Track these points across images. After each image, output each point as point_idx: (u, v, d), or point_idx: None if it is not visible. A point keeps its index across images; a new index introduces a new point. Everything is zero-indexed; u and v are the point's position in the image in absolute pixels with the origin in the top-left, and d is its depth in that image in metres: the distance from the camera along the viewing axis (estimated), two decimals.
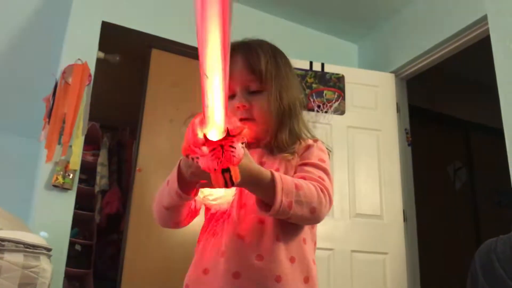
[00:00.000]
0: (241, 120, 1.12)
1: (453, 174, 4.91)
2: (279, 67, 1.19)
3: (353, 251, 3.25)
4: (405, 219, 3.41)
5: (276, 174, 0.96)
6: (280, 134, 1.14)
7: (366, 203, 3.38)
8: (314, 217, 1.00)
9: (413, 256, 3.44)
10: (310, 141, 1.17)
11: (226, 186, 0.84)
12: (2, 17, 3.69)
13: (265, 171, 0.95)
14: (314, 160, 1.11)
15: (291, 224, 1.04)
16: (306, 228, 1.10)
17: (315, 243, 1.13)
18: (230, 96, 1.16)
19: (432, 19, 3.46)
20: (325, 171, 1.10)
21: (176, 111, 3.38)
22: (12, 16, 3.69)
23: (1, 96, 4.60)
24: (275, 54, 1.21)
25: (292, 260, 1.03)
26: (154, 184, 3.23)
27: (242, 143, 0.84)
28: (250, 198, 1.04)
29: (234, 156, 0.81)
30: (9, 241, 2.10)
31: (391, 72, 3.77)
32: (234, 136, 0.81)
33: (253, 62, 1.15)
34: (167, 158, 3.30)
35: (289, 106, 1.17)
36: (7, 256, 2.07)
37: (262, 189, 0.95)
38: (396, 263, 3.28)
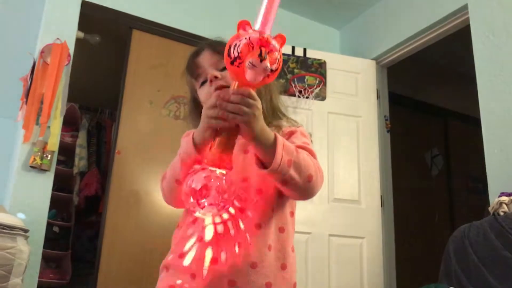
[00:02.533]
0: (216, 90, 1.15)
1: (430, 161, 4.99)
2: None
3: (330, 235, 3.30)
4: (382, 204, 3.47)
5: (278, 136, 1.00)
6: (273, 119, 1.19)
7: (344, 188, 3.42)
8: (310, 186, 1.04)
9: (390, 240, 3.51)
10: (292, 127, 1.20)
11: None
12: None
13: (269, 130, 0.99)
14: (300, 142, 1.13)
15: (271, 212, 1.06)
16: (286, 216, 1.12)
17: (293, 231, 1.15)
18: (203, 82, 1.20)
19: (414, 7, 3.48)
20: (312, 153, 1.12)
21: (157, 93, 3.35)
22: None
23: None
24: None
25: (269, 248, 1.05)
26: (133, 166, 3.22)
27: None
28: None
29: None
30: None
31: (372, 59, 3.79)
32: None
33: (219, 47, 1.18)
34: (146, 140, 3.28)
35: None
36: None
37: (265, 146, 0.97)
38: (373, 247, 3.34)
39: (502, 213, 2.05)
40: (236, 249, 1.00)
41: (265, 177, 1.03)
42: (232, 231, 1.00)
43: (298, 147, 1.08)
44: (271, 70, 0.88)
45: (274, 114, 1.22)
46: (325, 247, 3.27)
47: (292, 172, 0.99)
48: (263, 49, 0.86)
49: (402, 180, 4.03)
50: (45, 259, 3.57)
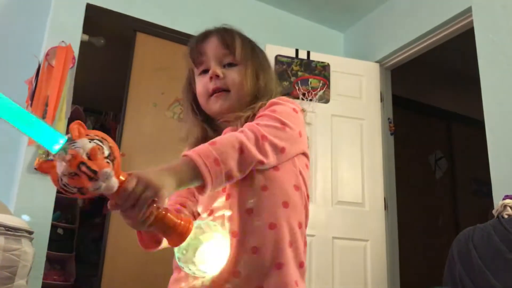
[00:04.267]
0: (214, 90, 1.14)
1: (434, 163, 4.98)
2: (255, 51, 1.21)
3: (334, 237, 3.30)
4: (386, 207, 3.46)
5: (186, 152, 0.90)
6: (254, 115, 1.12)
7: (348, 191, 3.42)
8: (246, 155, 0.94)
9: (393, 243, 3.50)
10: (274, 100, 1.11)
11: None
12: None
13: (172, 165, 0.88)
14: (267, 111, 1.06)
15: (261, 210, 0.99)
16: (279, 212, 1.00)
17: (291, 225, 1.02)
18: (203, 71, 1.17)
19: (418, 10, 3.48)
20: (269, 116, 1.03)
21: (161, 96, 3.36)
22: None
23: None
24: (252, 43, 1.23)
25: (253, 250, 0.97)
26: (138, 168, 3.20)
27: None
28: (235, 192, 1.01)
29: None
30: None
31: (376, 61, 3.79)
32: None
33: (228, 39, 1.16)
34: (151, 142, 3.29)
35: (265, 86, 1.17)
36: None
37: (186, 175, 0.88)
38: (377, 250, 3.33)
39: (506, 216, 2.05)
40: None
41: (216, 195, 1.00)
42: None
43: (259, 116, 1.04)
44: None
45: (261, 92, 1.15)
46: (329, 249, 3.26)
47: (225, 166, 0.90)
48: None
49: (406, 182, 4.02)
50: (50, 261, 3.59)
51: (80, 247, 4.40)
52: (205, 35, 1.20)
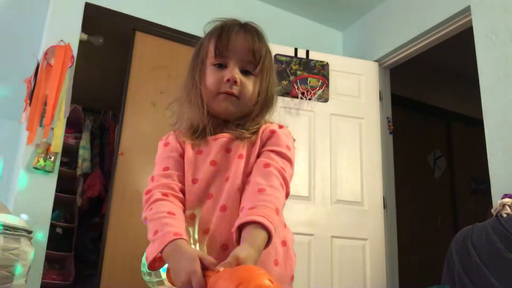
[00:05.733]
0: (226, 94, 1.12)
1: (433, 162, 4.99)
2: (271, 61, 1.20)
3: (333, 236, 3.30)
4: (385, 206, 3.47)
5: (264, 221, 0.93)
6: (250, 119, 1.14)
7: (347, 190, 3.42)
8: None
9: (392, 242, 3.51)
10: (274, 125, 1.15)
11: None
12: None
13: (260, 241, 0.91)
14: (281, 148, 1.10)
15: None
16: None
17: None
18: (220, 65, 1.13)
19: (416, 9, 3.48)
20: (289, 160, 1.10)
21: (160, 95, 3.36)
22: None
23: None
24: (270, 49, 1.21)
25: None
26: (137, 167, 3.23)
27: None
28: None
29: None
30: None
31: (375, 60, 3.79)
32: None
33: (257, 47, 1.14)
34: (149, 142, 3.28)
35: (271, 98, 1.18)
36: None
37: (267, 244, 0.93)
38: (376, 249, 3.33)
39: (505, 215, 2.05)
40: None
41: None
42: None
43: (276, 152, 1.08)
44: None
45: (266, 106, 1.17)
46: (328, 248, 3.26)
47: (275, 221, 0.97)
48: None
49: (405, 181, 4.03)
50: (49, 260, 3.58)
51: (79, 247, 4.40)
52: (238, 30, 1.15)
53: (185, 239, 0.94)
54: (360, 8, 3.96)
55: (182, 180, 1.11)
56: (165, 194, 1.07)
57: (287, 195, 1.05)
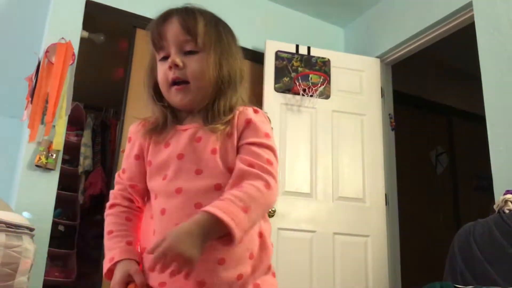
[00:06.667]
0: (174, 82, 1.09)
1: (435, 159, 4.98)
2: (219, 33, 1.13)
3: (335, 233, 3.30)
4: (387, 203, 3.46)
5: (211, 209, 0.92)
6: (218, 103, 1.09)
7: (349, 186, 3.42)
8: (268, 208, 1.06)
9: (394, 239, 3.50)
10: (249, 111, 1.10)
11: None
12: None
13: (202, 220, 0.92)
14: (261, 138, 1.06)
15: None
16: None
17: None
18: (164, 57, 1.11)
19: (418, 5, 3.47)
20: (271, 149, 1.06)
21: None
22: None
23: None
24: (217, 22, 1.16)
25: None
26: None
27: None
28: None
29: None
30: None
31: (377, 57, 3.78)
32: None
33: (190, 23, 1.09)
34: None
35: (229, 74, 1.11)
36: None
37: (214, 231, 0.93)
38: (378, 245, 3.33)
39: (507, 211, 2.05)
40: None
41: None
42: None
43: (256, 144, 1.05)
44: None
45: (229, 82, 1.11)
46: (330, 245, 3.26)
47: (253, 215, 0.97)
48: None
49: (407, 178, 4.02)
50: (51, 257, 3.59)
51: (81, 244, 4.40)
52: (165, 17, 1.13)
53: (118, 260, 1.04)
54: (362, 4, 3.94)
55: (140, 179, 1.13)
56: (112, 205, 1.14)
57: (276, 186, 1.02)
